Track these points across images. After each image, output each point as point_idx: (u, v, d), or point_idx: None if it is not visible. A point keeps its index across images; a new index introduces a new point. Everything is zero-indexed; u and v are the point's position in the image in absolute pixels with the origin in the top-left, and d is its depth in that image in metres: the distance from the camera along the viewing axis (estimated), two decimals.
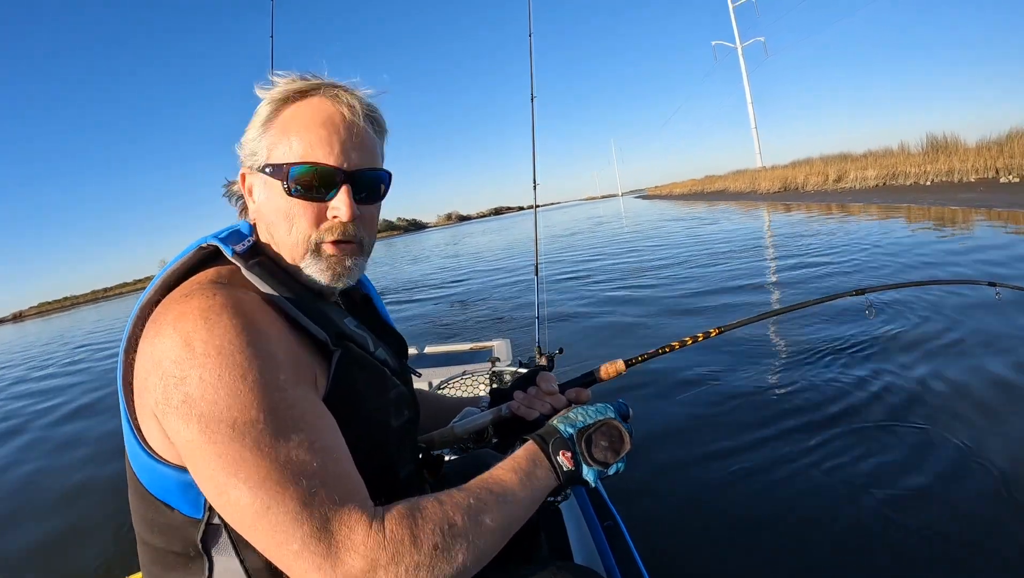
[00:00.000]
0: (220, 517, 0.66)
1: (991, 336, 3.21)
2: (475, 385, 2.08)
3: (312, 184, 0.75)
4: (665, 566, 1.65)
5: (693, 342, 1.05)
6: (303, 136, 0.75)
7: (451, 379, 2.10)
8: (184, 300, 0.66)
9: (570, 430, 0.77)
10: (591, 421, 0.79)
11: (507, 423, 0.97)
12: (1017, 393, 2.52)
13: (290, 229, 0.76)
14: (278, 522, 0.58)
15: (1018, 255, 5.16)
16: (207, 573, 0.69)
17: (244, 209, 0.86)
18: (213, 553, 0.69)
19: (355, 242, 0.79)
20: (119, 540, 2.45)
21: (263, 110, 0.78)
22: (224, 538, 0.68)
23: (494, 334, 3.80)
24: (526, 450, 0.75)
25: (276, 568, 0.63)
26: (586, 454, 0.76)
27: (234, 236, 0.78)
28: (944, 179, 14.04)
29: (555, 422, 0.79)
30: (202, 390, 0.60)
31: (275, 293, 0.72)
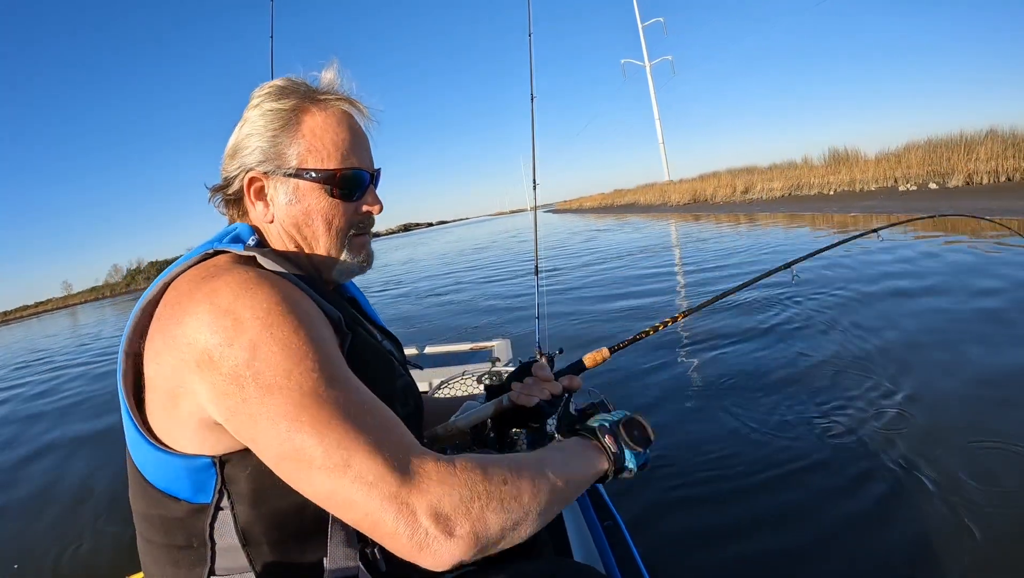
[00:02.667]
0: (228, 501, 0.69)
1: None
2: (475, 385, 2.03)
3: (354, 187, 0.84)
4: (665, 566, 1.63)
5: (663, 327, 1.16)
6: (339, 143, 0.82)
7: (451, 379, 2.04)
8: (212, 279, 0.68)
9: (606, 422, 0.82)
10: (618, 417, 0.83)
11: (507, 413, 0.99)
12: None
13: (329, 228, 0.83)
14: (350, 459, 0.58)
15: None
16: (209, 561, 0.70)
17: (239, 212, 0.88)
18: (217, 539, 0.70)
19: (370, 231, 0.90)
20: (118, 541, 2.44)
21: (276, 115, 0.81)
22: (229, 523, 0.69)
23: (494, 334, 3.62)
24: (572, 439, 0.80)
25: (276, 548, 0.68)
26: (626, 438, 0.80)
27: (235, 239, 0.80)
28: (847, 188, 15.15)
29: (587, 422, 0.83)
30: (253, 351, 0.62)
31: (291, 275, 0.75)
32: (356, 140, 0.84)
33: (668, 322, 1.18)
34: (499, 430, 1.02)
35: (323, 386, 0.61)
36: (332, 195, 0.82)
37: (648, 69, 38.12)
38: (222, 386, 0.62)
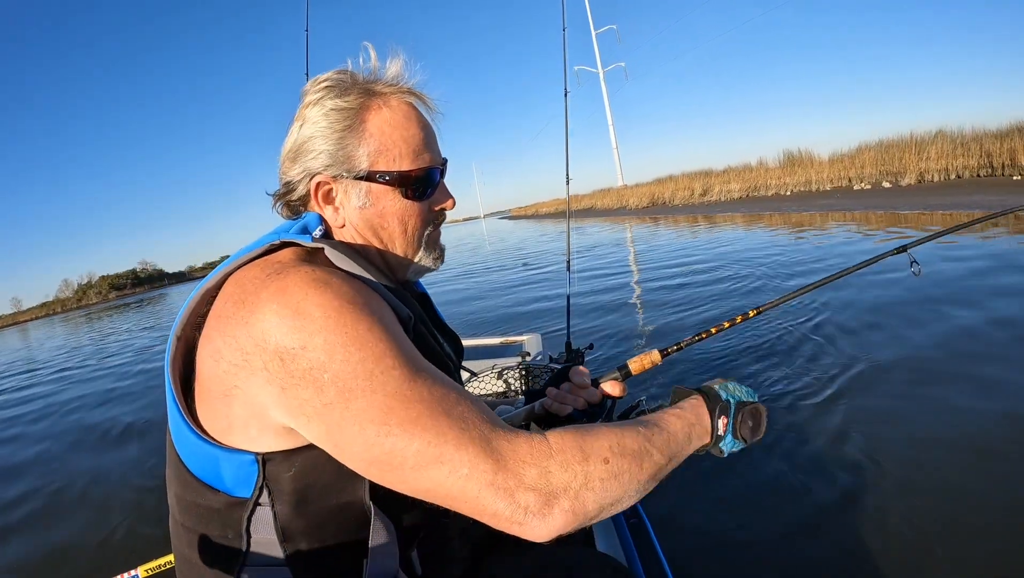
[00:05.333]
0: (269, 498, 0.67)
1: None
2: (505, 380, 1.98)
3: (427, 185, 0.81)
4: (690, 565, 1.60)
5: (731, 325, 1.01)
6: (409, 141, 0.79)
7: (482, 373, 2.00)
8: (277, 277, 0.66)
9: (733, 400, 0.77)
10: (746, 399, 0.79)
11: (541, 420, 0.95)
12: None
13: (405, 229, 0.82)
14: (442, 454, 0.58)
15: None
16: (244, 553, 0.69)
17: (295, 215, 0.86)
18: (253, 533, 0.69)
19: (440, 227, 0.88)
20: (147, 525, 2.46)
21: (341, 115, 0.77)
22: (268, 519, 0.68)
23: (525, 328, 3.65)
24: (693, 405, 0.77)
25: (315, 546, 0.68)
26: (738, 427, 0.76)
27: (303, 230, 0.78)
28: (803, 189, 15.74)
29: (718, 388, 0.79)
30: (330, 352, 0.60)
31: (360, 273, 0.73)
32: (425, 135, 0.82)
33: (737, 320, 1.00)
34: None
35: (406, 384, 0.60)
36: (406, 196, 0.80)
37: (602, 76, 38.75)
38: (296, 390, 0.60)
